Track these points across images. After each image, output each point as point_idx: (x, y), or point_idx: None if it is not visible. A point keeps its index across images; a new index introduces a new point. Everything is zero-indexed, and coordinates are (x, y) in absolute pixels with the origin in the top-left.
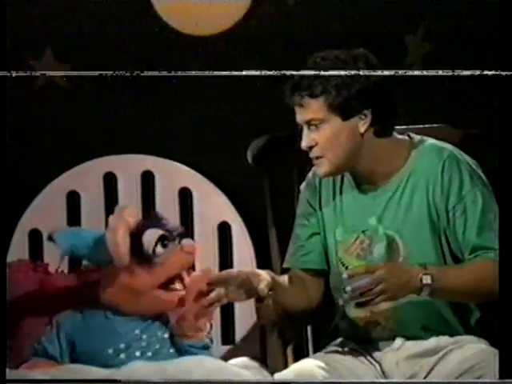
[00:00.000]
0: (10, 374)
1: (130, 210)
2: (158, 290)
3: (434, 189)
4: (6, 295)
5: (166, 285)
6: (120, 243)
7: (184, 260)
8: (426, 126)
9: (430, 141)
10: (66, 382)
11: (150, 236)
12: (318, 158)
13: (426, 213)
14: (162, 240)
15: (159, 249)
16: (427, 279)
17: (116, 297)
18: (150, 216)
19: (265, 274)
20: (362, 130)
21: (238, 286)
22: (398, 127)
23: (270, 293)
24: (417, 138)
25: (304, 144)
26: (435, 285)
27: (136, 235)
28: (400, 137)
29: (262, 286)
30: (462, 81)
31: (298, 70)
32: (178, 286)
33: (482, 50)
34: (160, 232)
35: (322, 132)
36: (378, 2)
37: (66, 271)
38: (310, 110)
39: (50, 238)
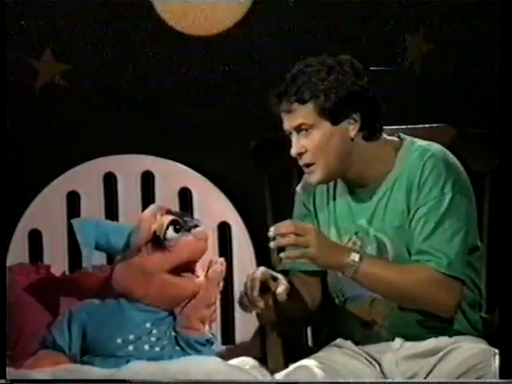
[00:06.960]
0: (11, 374)
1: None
2: (168, 274)
3: (412, 189)
4: (7, 297)
5: (177, 271)
6: (147, 221)
7: (196, 246)
8: (426, 125)
9: (419, 142)
10: (67, 382)
11: (162, 220)
12: (308, 165)
13: (407, 214)
14: (174, 225)
15: (171, 233)
16: (355, 257)
17: (127, 279)
18: (169, 211)
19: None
20: (352, 134)
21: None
22: (397, 127)
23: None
24: (407, 139)
25: (294, 151)
26: (361, 267)
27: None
28: (389, 138)
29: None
30: (462, 81)
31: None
32: (188, 273)
33: (482, 50)
34: (171, 217)
35: (312, 138)
36: (378, 1)
37: (67, 272)
38: (299, 115)
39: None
